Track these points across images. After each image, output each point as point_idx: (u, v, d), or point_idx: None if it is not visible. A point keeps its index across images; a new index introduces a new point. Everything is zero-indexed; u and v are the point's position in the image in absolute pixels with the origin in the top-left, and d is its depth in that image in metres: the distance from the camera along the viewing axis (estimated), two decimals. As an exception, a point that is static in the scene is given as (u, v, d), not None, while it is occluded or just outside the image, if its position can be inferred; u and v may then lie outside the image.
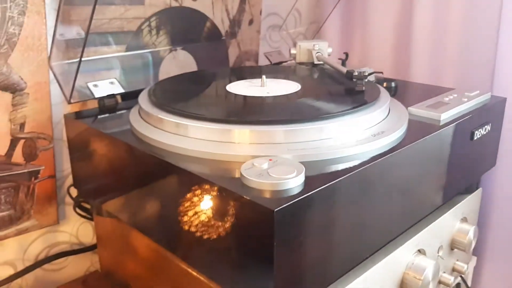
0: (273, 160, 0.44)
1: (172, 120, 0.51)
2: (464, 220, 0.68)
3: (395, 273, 0.56)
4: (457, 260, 0.69)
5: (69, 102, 0.62)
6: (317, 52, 0.75)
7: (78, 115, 0.62)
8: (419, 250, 0.60)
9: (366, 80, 0.59)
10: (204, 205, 0.44)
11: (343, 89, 0.61)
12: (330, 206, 0.43)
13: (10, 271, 0.73)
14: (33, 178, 0.71)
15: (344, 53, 0.77)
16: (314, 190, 0.40)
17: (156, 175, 0.49)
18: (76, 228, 0.80)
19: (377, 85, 0.63)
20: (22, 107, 0.67)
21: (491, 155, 0.69)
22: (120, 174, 0.55)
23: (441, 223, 0.63)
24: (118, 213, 0.58)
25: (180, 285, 0.56)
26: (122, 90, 0.66)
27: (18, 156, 0.68)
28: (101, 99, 0.64)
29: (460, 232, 0.66)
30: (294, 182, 0.41)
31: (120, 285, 0.68)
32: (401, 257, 0.57)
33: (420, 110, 0.59)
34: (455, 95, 0.65)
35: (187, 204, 0.46)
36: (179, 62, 0.83)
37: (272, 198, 0.39)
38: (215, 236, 0.43)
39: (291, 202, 0.38)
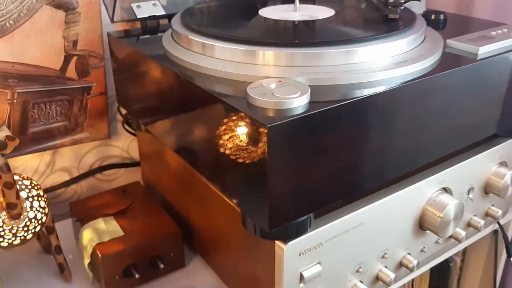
0: (283, 81, 0.45)
1: (198, 40, 0.52)
2: (503, 164, 0.65)
3: (414, 205, 0.56)
4: (492, 205, 0.67)
5: (112, 21, 0.65)
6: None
7: (121, 34, 0.65)
8: (444, 189, 0.59)
9: (402, 8, 0.56)
10: (215, 122, 0.46)
11: (378, 16, 0.59)
12: (336, 129, 0.43)
13: (66, 177, 0.82)
14: (85, 94, 0.76)
15: None
16: (315, 110, 0.41)
17: (180, 94, 0.51)
18: (127, 144, 0.86)
19: (416, 14, 0.60)
20: (74, 25, 0.72)
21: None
22: (151, 92, 0.58)
23: (473, 163, 0.60)
24: (152, 129, 0.61)
25: (202, 197, 0.60)
26: (163, 12, 0.68)
27: (71, 72, 0.74)
28: (143, 20, 0.67)
29: (495, 175, 0.63)
30: (297, 102, 0.41)
31: (156, 195, 0.74)
32: (422, 191, 0.56)
33: (458, 43, 0.56)
34: (505, 30, 0.60)
35: (203, 121, 0.48)
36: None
37: (270, 116, 0.40)
38: (224, 152, 0.45)
39: (287, 120, 0.39)
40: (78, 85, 0.75)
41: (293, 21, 0.57)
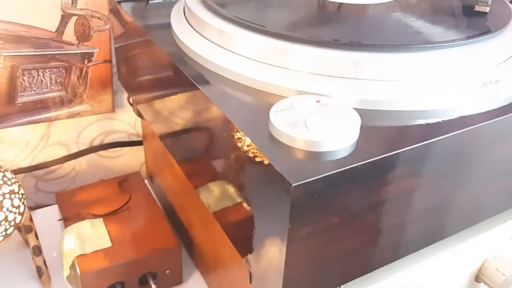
0: (322, 102, 0.32)
1: (214, 25, 0.39)
2: None
3: (474, 258, 0.44)
4: None
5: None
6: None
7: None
8: (516, 237, 0.46)
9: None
10: (224, 147, 0.34)
11: (462, 8, 0.44)
12: (388, 182, 0.30)
13: (63, 152, 0.71)
14: (86, 60, 0.65)
15: None
16: (369, 159, 0.28)
17: (183, 92, 0.39)
18: (134, 118, 0.75)
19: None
20: (74, -20, 0.59)
21: None
22: (149, 77, 0.46)
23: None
24: (148, 118, 0.50)
25: (206, 215, 0.49)
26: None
27: (70, 35, 0.62)
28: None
29: None
30: (342, 143, 0.29)
31: (158, 191, 0.63)
32: (487, 241, 0.44)
33: None
34: None
35: (209, 139, 0.36)
36: None
37: (298, 162, 0.28)
38: (235, 193, 0.34)
39: (326, 174, 0.27)
40: (77, 51, 0.63)
41: (353, 5, 0.43)
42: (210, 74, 0.37)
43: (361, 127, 0.30)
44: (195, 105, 0.37)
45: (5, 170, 0.50)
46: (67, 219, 0.54)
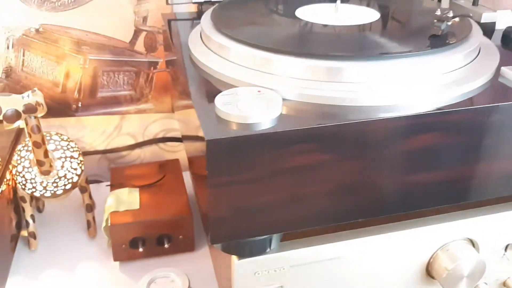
0: (262, 91, 0.42)
1: (216, 40, 0.49)
2: None
3: (422, 250, 0.49)
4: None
5: (167, 3, 0.67)
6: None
7: (174, 16, 0.67)
8: (471, 240, 0.51)
9: (450, 23, 0.48)
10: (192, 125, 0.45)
11: (423, 28, 0.51)
12: (293, 154, 0.39)
13: (131, 141, 0.88)
14: (152, 68, 0.80)
15: None
16: (267, 130, 0.37)
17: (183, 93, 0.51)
18: (192, 120, 0.89)
19: (477, 33, 0.51)
20: (145, 2, 0.75)
21: None
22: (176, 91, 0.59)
23: (509, 217, 0.51)
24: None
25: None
26: (221, -2, 0.67)
27: (140, 46, 0.78)
28: (199, 4, 0.67)
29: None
30: (258, 118, 0.39)
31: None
32: (437, 236, 0.49)
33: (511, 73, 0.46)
34: None
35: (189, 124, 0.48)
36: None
37: (220, 129, 0.38)
38: (193, 155, 0.45)
39: (232, 136, 0.37)
40: (145, 59, 0.79)
41: (323, 26, 0.52)
42: (212, 78, 0.47)
43: (289, 112, 0.39)
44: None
45: (71, 141, 0.66)
46: (113, 186, 0.69)
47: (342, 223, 0.45)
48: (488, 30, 0.59)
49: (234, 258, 0.44)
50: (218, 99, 0.40)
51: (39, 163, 0.60)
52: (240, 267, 0.44)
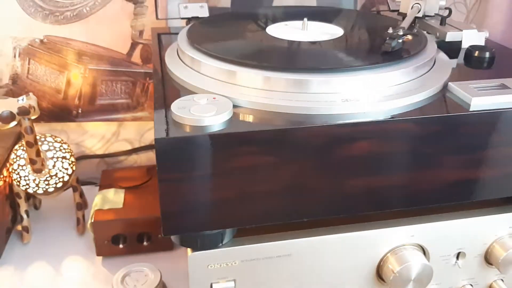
0: (217, 98, 0.46)
1: (186, 52, 0.53)
2: (517, 236, 0.55)
3: (372, 252, 0.52)
4: (501, 279, 0.57)
5: (157, 18, 0.72)
6: (416, 3, 0.65)
7: (167, 30, 0.72)
8: (421, 246, 0.53)
9: (401, 40, 0.51)
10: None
11: (378, 45, 0.54)
12: (245, 154, 0.43)
13: (128, 147, 0.93)
14: (147, 78, 0.86)
15: (447, 8, 0.65)
16: (214, 131, 0.42)
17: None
18: (186, 129, 0.93)
19: (430, 50, 0.54)
20: (141, 17, 0.81)
21: None
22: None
23: (462, 226, 0.53)
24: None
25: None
26: (207, 15, 0.72)
27: (136, 57, 0.84)
28: (188, 19, 0.72)
29: (501, 245, 0.54)
30: (207, 121, 0.43)
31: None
32: (386, 240, 0.52)
33: (457, 88, 0.49)
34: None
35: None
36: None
37: (171, 130, 0.42)
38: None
39: (179, 136, 0.41)
40: (141, 70, 0.85)
41: (289, 41, 0.56)
42: (183, 90, 0.51)
43: (240, 117, 0.44)
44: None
45: (64, 143, 0.71)
46: (101, 186, 0.74)
47: (288, 222, 0.48)
48: (454, 48, 0.62)
49: (189, 250, 0.48)
50: (175, 104, 0.45)
51: (32, 162, 0.66)
52: (193, 259, 0.48)
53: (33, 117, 0.64)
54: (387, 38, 0.51)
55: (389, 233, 0.52)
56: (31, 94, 0.65)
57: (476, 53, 0.59)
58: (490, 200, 0.55)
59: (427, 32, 0.65)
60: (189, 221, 0.45)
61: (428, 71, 0.52)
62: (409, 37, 0.52)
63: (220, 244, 0.48)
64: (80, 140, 0.89)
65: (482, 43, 0.63)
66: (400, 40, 0.51)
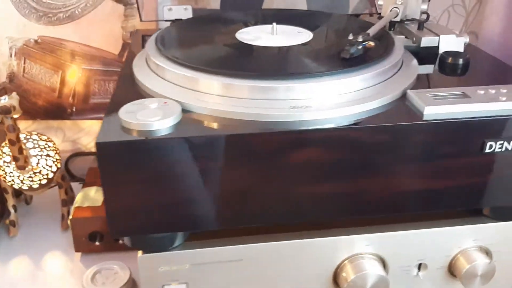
0: (168, 103, 0.47)
1: (152, 57, 0.53)
2: (482, 250, 0.53)
3: (328, 260, 0.52)
4: (469, 292, 0.56)
5: (141, 20, 0.73)
6: (394, 7, 0.64)
7: (150, 32, 0.73)
8: (380, 256, 0.52)
9: (361, 47, 0.50)
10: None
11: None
12: (189, 159, 0.43)
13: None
14: (139, 78, 0.87)
15: (424, 12, 0.63)
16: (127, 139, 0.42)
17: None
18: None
19: (393, 56, 0.53)
20: (132, 18, 0.82)
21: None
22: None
23: (420, 236, 0.52)
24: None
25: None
26: (190, 16, 0.73)
27: (128, 57, 0.85)
28: (172, 21, 0.73)
29: (465, 258, 0.53)
30: (153, 126, 0.43)
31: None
32: (340, 248, 0.51)
33: (413, 96, 0.48)
34: (504, 91, 0.49)
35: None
36: (288, -1, 0.83)
37: (116, 134, 0.43)
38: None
39: (120, 140, 0.42)
40: (133, 70, 0.86)
41: (256, 46, 0.56)
42: (139, 89, 0.52)
43: (190, 122, 0.44)
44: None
45: (49, 141, 0.73)
46: (86, 184, 0.76)
47: (236, 227, 0.48)
48: (432, 54, 0.60)
49: (139, 252, 0.49)
50: (123, 108, 0.46)
51: (15, 159, 0.68)
52: (143, 261, 0.49)
53: (15, 116, 0.67)
54: (348, 44, 0.51)
55: (346, 241, 0.51)
56: (14, 94, 0.67)
57: (449, 60, 0.57)
58: (456, 211, 0.53)
59: (406, 37, 0.64)
60: (135, 224, 0.46)
61: (388, 78, 0.51)
62: (371, 43, 0.51)
63: (171, 247, 0.49)
64: (76, 138, 0.92)
65: (461, 49, 0.61)
66: (360, 47, 0.50)
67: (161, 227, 0.46)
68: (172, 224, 0.46)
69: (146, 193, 0.44)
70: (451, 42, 0.61)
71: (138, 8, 0.73)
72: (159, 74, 0.52)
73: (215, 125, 0.45)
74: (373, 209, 0.49)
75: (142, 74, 0.53)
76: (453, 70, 0.57)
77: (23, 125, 0.89)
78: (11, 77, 0.85)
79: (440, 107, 0.46)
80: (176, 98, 0.47)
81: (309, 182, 0.46)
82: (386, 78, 0.51)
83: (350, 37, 0.51)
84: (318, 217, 0.49)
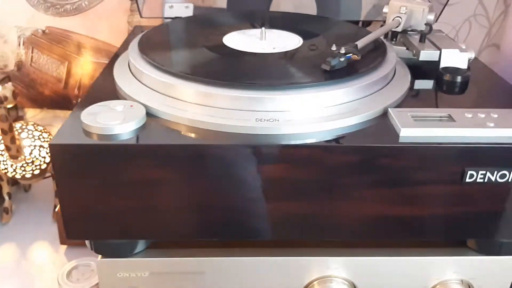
0: (134, 106, 0.45)
1: (133, 63, 0.51)
2: (464, 284, 0.50)
3: (293, 280, 0.50)
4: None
5: (141, 16, 0.72)
6: (397, 16, 0.60)
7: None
8: (352, 284, 0.50)
9: (343, 59, 0.47)
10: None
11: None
12: (141, 167, 0.42)
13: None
14: (144, 74, 0.86)
15: (427, 24, 0.59)
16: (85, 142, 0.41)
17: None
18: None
19: (383, 71, 0.49)
20: (137, 13, 0.81)
21: None
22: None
23: (396, 264, 0.49)
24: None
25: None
26: (190, 14, 0.71)
27: (133, 52, 0.85)
28: (172, 19, 0.72)
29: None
30: (111, 130, 0.42)
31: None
32: (308, 271, 0.49)
33: (393, 116, 0.45)
34: (495, 116, 0.45)
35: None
36: (296, 2, 0.80)
37: (73, 137, 0.42)
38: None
39: (69, 143, 0.41)
40: (137, 65, 0.86)
41: (239, 52, 0.54)
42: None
43: (154, 128, 0.43)
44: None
45: (45, 132, 0.74)
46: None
47: (195, 240, 0.47)
48: (433, 68, 0.56)
49: (99, 256, 0.48)
50: (87, 110, 0.45)
51: (7, 148, 0.69)
52: (101, 265, 0.48)
53: (8, 106, 0.67)
54: (329, 56, 0.48)
55: (317, 262, 0.49)
56: (8, 84, 0.68)
57: (447, 76, 0.53)
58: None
59: (407, 49, 0.60)
60: (90, 228, 0.45)
61: (373, 93, 0.48)
62: (356, 56, 0.48)
63: (131, 254, 0.48)
64: (81, 129, 0.92)
65: (464, 65, 0.57)
66: (343, 59, 0.47)
67: (115, 233, 0.45)
68: (126, 231, 0.45)
69: (99, 198, 0.43)
70: (453, 57, 0.57)
71: (137, 4, 0.72)
72: (135, 75, 0.51)
73: (176, 133, 0.43)
74: (340, 233, 0.46)
75: (118, 73, 0.52)
76: (450, 87, 0.53)
77: (30, 113, 0.91)
78: (19, 65, 0.86)
79: (417, 129, 0.42)
80: (143, 102, 0.46)
81: (267, 199, 0.44)
82: (369, 93, 0.48)
83: (333, 48, 0.48)
84: (280, 236, 0.46)
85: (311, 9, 0.79)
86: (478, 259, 0.49)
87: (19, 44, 0.84)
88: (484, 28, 0.85)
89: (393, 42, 0.62)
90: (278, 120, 0.43)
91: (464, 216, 0.45)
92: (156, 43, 0.56)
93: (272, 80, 0.47)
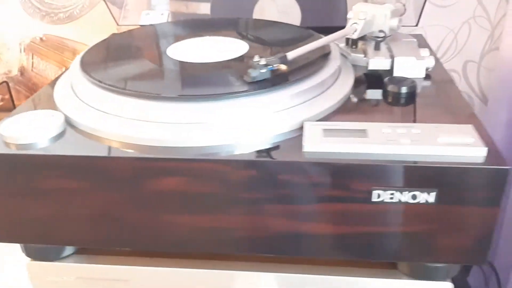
0: (54, 115, 0.46)
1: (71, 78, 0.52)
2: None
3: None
4: None
5: (117, 24, 0.74)
6: (354, 23, 0.57)
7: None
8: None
9: (265, 70, 0.46)
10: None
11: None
12: (51, 177, 0.43)
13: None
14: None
15: (381, 31, 0.56)
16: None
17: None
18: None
19: (310, 83, 0.47)
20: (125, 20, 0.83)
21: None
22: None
23: (329, 281, 0.47)
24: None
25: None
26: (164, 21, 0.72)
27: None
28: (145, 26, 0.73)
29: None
30: (25, 140, 0.44)
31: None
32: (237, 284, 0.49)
33: (305, 129, 0.43)
34: (417, 131, 0.42)
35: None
36: (280, 8, 0.79)
37: None
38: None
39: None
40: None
41: (180, 62, 0.53)
42: None
43: (73, 139, 0.44)
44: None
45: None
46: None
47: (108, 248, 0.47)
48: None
49: (29, 258, 0.50)
50: (9, 119, 0.46)
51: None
52: (31, 268, 0.50)
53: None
54: (251, 67, 0.47)
55: (241, 276, 0.48)
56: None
57: (390, 87, 0.50)
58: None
59: (364, 56, 0.57)
60: (16, 232, 0.47)
61: (291, 107, 0.46)
62: (282, 67, 0.47)
63: (59, 258, 0.49)
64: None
65: (422, 74, 0.53)
66: (264, 70, 0.46)
67: (37, 239, 0.47)
68: (46, 237, 0.47)
69: (19, 205, 0.45)
70: (408, 66, 0.53)
71: (111, 13, 0.74)
72: (71, 85, 0.52)
73: (89, 145, 0.44)
74: (254, 248, 0.45)
75: (59, 84, 0.54)
76: (395, 99, 0.50)
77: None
78: (22, 71, 0.91)
79: (323, 145, 0.40)
80: (64, 111, 0.47)
81: (170, 212, 0.43)
82: (290, 105, 0.46)
83: (256, 59, 0.47)
84: (188, 248, 0.46)
85: (296, 16, 0.78)
86: (408, 283, 0.46)
87: (20, 51, 0.89)
88: (486, 31, 0.80)
89: (354, 48, 0.59)
90: (186, 133, 0.43)
91: (379, 237, 0.42)
92: (96, 54, 0.58)
93: (188, 90, 0.47)
